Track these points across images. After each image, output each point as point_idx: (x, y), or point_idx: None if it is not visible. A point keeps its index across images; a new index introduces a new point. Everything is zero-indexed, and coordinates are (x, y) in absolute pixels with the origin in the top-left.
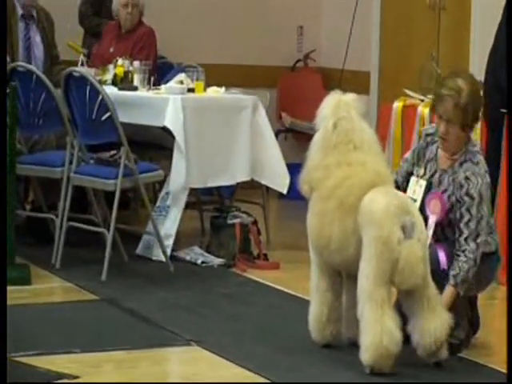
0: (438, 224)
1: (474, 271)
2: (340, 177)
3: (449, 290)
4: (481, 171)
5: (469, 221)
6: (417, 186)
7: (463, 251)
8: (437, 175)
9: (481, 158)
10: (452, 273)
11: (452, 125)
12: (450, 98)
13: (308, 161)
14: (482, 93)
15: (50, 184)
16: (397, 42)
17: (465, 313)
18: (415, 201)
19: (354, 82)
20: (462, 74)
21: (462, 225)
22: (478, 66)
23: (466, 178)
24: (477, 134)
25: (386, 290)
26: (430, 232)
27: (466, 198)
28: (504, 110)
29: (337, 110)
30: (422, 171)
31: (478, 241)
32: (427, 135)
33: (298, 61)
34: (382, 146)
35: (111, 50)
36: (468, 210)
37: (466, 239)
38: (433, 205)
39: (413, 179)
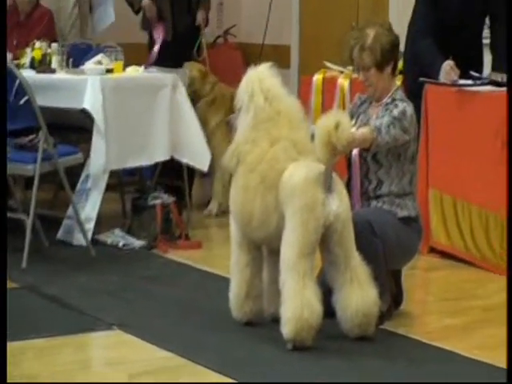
0: (362, 155)
1: (390, 136)
2: (263, 151)
3: (367, 128)
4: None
5: (382, 116)
6: None
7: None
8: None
9: (404, 105)
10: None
11: (367, 69)
12: (357, 45)
13: (237, 135)
14: (392, 35)
15: None
16: (316, 13)
17: (387, 285)
18: None
19: (275, 57)
20: (370, 24)
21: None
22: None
23: (390, 104)
24: None
25: (309, 262)
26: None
27: (386, 112)
28: (422, 79)
29: (261, 85)
30: (353, 122)
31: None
32: (360, 98)
33: (218, 37)
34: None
35: (14, 42)
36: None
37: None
38: None
39: None
